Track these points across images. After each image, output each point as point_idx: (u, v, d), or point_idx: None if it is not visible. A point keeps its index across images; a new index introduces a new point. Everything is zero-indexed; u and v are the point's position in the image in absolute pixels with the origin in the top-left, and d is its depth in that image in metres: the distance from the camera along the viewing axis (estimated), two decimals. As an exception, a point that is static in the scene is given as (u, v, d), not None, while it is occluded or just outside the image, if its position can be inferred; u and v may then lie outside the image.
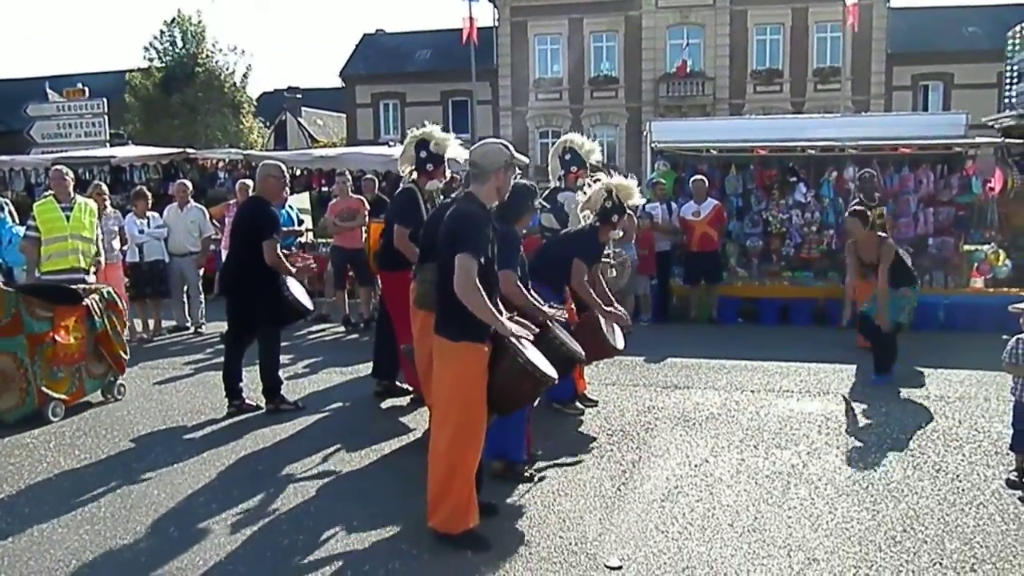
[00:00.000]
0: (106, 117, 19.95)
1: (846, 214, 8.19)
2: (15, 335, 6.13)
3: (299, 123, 43.78)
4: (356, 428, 6.05)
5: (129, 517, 4.41)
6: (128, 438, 5.84)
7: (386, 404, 6.76)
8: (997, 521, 4.31)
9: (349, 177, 10.47)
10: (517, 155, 4.00)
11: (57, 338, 6.27)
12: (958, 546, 4.02)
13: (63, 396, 6.35)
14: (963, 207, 11.46)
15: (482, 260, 3.77)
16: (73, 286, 6.75)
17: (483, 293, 3.74)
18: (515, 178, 4.24)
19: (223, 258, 9.08)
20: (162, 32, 34.00)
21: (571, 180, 7.02)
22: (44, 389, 6.20)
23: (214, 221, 10.41)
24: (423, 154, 6.21)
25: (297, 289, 6.47)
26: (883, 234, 7.68)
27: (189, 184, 10.46)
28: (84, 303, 6.56)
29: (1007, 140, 12.00)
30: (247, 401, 6.46)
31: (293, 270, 6.36)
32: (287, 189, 6.74)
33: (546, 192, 7.16)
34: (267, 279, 6.18)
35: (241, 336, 6.48)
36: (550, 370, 4.09)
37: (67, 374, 6.41)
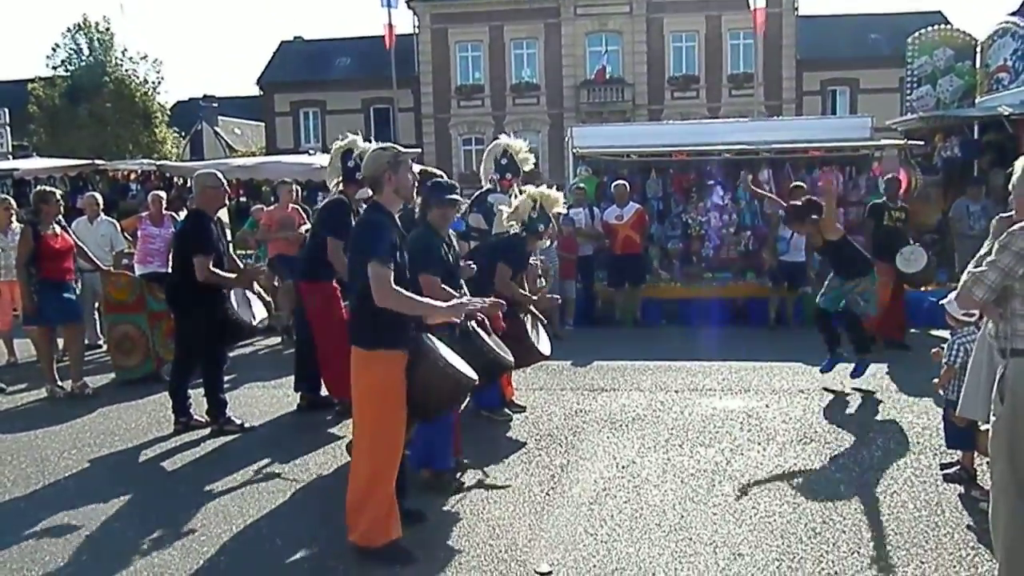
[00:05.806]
0: (8, 128, 19.10)
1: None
2: (140, 312, 7.86)
3: (216, 132, 42.73)
4: (279, 443, 5.89)
5: (37, 547, 4.19)
6: (35, 463, 5.55)
7: (310, 418, 6.61)
8: (910, 508, 4.47)
9: (295, 187, 10.19)
10: (404, 149, 4.03)
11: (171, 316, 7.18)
12: (874, 534, 4.15)
13: None
14: (871, 207, 11.90)
15: (391, 265, 3.73)
16: None
17: (404, 292, 3.72)
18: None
19: (136, 273, 8.78)
20: (64, 37, 32.71)
21: (504, 186, 7.04)
22: (161, 356, 7.69)
23: (126, 235, 10.02)
24: (350, 163, 6.21)
25: (249, 305, 6.27)
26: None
27: (99, 197, 10.05)
28: None
29: (909, 142, 12.57)
30: (195, 418, 6.28)
31: (231, 283, 6.13)
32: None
33: (476, 194, 7.18)
34: (208, 296, 5.95)
35: (187, 355, 6.30)
36: (470, 372, 4.07)
37: None
